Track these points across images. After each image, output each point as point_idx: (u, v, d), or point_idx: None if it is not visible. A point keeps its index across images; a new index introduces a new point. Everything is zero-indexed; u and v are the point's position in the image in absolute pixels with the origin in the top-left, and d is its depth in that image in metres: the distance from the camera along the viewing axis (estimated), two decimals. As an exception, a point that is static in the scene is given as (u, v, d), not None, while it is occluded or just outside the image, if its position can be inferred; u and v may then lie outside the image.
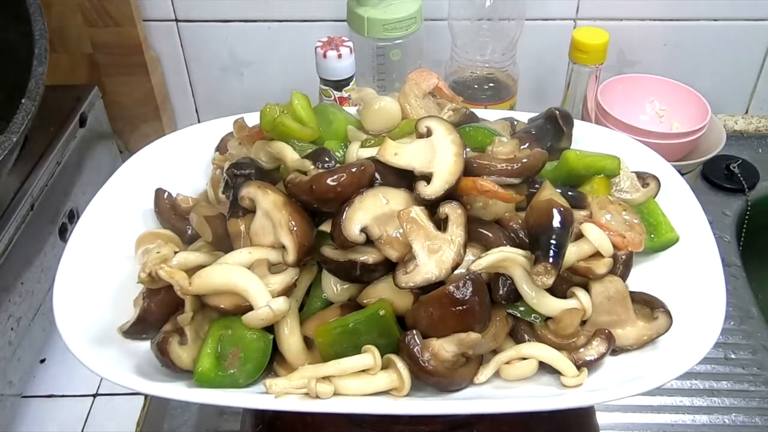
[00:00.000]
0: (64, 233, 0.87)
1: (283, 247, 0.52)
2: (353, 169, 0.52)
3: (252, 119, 0.65)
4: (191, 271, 0.52)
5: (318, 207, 0.53)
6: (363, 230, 0.50)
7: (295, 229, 0.52)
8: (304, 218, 0.53)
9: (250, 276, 0.51)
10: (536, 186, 0.56)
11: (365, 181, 0.52)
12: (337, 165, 0.55)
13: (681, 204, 0.62)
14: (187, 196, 0.65)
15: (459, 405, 0.48)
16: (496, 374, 0.51)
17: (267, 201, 0.53)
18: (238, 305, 0.51)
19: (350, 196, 0.51)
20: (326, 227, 0.53)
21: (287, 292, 0.52)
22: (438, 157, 0.53)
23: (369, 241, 0.51)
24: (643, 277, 0.57)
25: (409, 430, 0.55)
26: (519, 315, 0.52)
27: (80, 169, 0.93)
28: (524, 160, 0.55)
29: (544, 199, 0.52)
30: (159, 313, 0.54)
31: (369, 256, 0.51)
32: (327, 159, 0.56)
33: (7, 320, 0.76)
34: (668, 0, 1.04)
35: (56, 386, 0.82)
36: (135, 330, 0.54)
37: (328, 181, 0.51)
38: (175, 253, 0.55)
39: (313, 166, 0.55)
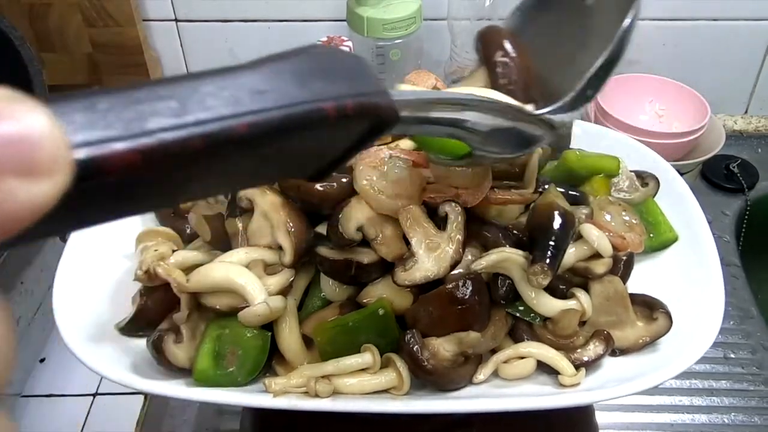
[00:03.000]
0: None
1: (280, 247, 0.52)
2: (343, 179, 0.52)
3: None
4: (189, 270, 0.52)
5: (311, 208, 0.53)
6: (359, 229, 0.51)
7: (292, 230, 0.52)
8: (301, 219, 0.53)
9: (247, 274, 0.51)
10: (545, 186, 0.56)
11: (352, 193, 0.52)
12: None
13: (680, 203, 0.62)
14: (186, 195, 0.65)
15: (458, 404, 0.49)
16: (495, 373, 0.51)
17: (265, 202, 0.53)
18: (234, 306, 0.51)
19: (336, 202, 0.51)
20: (323, 229, 0.53)
21: (283, 293, 0.52)
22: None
23: (364, 243, 0.51)
24: (641, 277, 0.57)
25: (409, 429, 0.55)
26: (518, 315, 0.52)
27: (80, 169, 0.93)
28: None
29: (547, 202, 0.52)
30: (156, 310, 0.54)
31: (364, 257, 0.51)
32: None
33: (7, 320, 0.76)
34: (668, 0, 1.04)
35: (56, 386, 0.82)
36: (132, 327, 0.54)
37: (317, 186, 0.51)
38: (173, 251, 0.55)
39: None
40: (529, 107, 0.45)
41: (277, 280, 0.52)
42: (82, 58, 1.05)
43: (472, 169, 0.51)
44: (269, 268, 0.53)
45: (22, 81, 0.77)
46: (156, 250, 0.54)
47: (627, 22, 0.42)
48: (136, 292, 0.55)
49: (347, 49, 0.88)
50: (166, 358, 0.51)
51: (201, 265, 0.52)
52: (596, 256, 0.53)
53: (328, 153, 0.30)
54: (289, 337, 0.52)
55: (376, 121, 0.29)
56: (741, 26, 1.06)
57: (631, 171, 0.64)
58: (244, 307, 0.50)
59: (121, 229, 0.61)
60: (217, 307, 0.51)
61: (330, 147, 0.30)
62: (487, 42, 0.50)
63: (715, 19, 1.05)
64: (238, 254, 0.53)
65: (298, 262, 0.53)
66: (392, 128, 0.30)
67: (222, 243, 0.56)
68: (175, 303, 0.53)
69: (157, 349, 0.51)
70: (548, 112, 0.43)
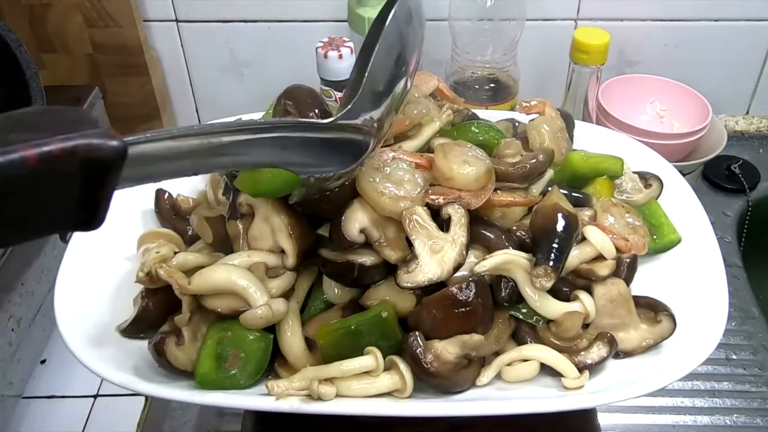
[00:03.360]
0: (64, 234, 0.86)
1: (282, 251, 0.52)
2: (345, 182, 0.51)
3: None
4: (190, 272, 0.52)
5: (313, 211, 0.53)
6: (362, 231, 0.50)
7: (294, 233, 0.52)
8: (302, 223, 0.53)
9: (249, 276, 0.51)
10: (548, 189, 0.56)
11: (355, 195, 0.52)
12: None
13: (683, 205, 0.61)
14: (187, 196, 0.65)
15: (461, 407, 0.48)
16: (498, 376, 0.51)
17: (265, 206, 0.53)
18: (235, 309, 0.50)
19: (338, 204, 0.51)
20: (325, 231, 0.53)
21: (286, 295, 0.52)
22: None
23: (367, 245, 0.51)
24: (645, 279, 0.57)
25: (411, 432, 0.55)
26: (521, 317, 0.51)
27: (80, 170, 0.93)
28: (530, 162, 0.55)
29: (550, 204, 0.52)
30: (157, 312, 0.54)
31: (367, 259, 0.51)
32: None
33: (8, 321, 0.76)
34: (669, 0, 1.03)
35: (57, 387, 0.82)
36: (133, 329, 0.54)
37: None
38: (175, 253, 0.55)
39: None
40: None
41: (279, 283, 0.52)
42: (82, 58, 1.04)
43: (476, 171, 0.51)
44: (271, 271, 0.53)
45: (19, 83, 0.77)
46: (158, 252, 0.54)
47: (387, 21, 0.46)
48: (137, 294, 0.55)
49: (348, 49, 0.88)
50: (168, 361, 0.51)
51: (203, 267, 0.52)
52: (599, 258, 0.53)
53: (62, 202, 0.28)
54: (292, 340, 0.51)
55: (97, 159, 0.28)
56: (742, 26, 1.05)
57: (633, 172, 0.63)
58: (246, 310, 0.50)
59: (123, 231, 0.61)
60: (219, 309, 0.51)
61: (57, 194, 0.28)
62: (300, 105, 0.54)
63: (716, 20, 1.05)
64: (240, 257, 0.52)
65: (301, 265, 0.52)
66: (123, 163, 0.29)
67: (224, 245, 0.56)
68: (177, 305, 0.53)
69: (159, 351, 0.51)
70: (343, 115, 0.44)
